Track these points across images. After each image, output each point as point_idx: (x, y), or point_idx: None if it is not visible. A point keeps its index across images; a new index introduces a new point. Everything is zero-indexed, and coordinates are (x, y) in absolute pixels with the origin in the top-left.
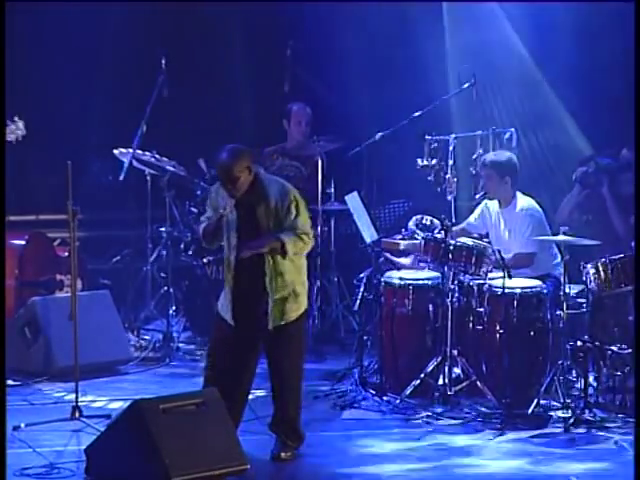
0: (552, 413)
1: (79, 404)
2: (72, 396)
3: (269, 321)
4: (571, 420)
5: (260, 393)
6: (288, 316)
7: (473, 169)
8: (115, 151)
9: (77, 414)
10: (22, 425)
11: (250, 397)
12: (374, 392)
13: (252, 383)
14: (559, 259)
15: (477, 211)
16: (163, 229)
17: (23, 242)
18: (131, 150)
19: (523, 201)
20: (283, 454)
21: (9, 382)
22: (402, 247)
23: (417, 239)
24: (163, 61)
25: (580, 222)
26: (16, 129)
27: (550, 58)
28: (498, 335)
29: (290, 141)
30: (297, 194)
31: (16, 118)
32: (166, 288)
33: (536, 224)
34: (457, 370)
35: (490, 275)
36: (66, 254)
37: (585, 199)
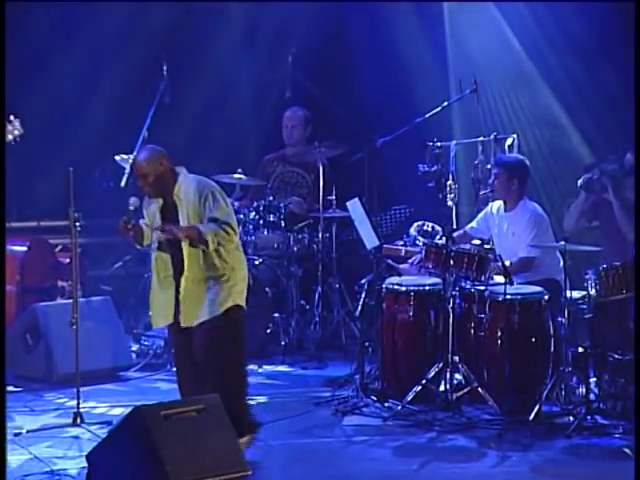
0: (553, 419)
1: (80, 410)
2: (73, 402)
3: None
4: (572, 426)
5: (261, 399)
6: (212, 310)
7: (474, 175)
8: (116, 157)
9: (78, 420)
10: (23, 431)
11: (251, 403)
12: (375, 398)
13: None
14: (562, 264)
15: (480, 215)
16: None
17: (24, 248)
18: (132, 156)
19: (529, 206)
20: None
21: (10, 388)
22: (404, 254)
23: (418, 245)
24: (165, 68)
25: (588, 229)
26: (13, 129)
27: (551, 62)
28: (499, 341)
29: (289, 148)
30: (216, 189)
31: (12, 117)
32: None
33: (540, 229)
34: (458, 376)
35: (492, 281)
36: (67, 260)
37: (591, 206)
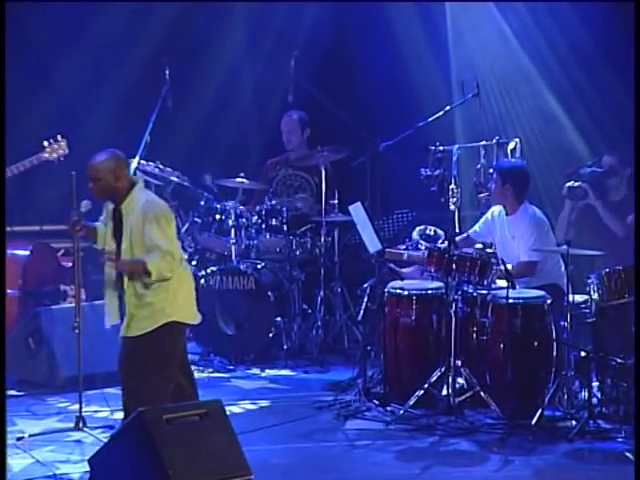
0: (556, 424)
1: (83, 414)
2: (76, 406)
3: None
4: (575, 431)
5: (264, 403)
6: (138, 327)
7: (477, 179)
8: None
9: (81, 424)
10: (26, 435)
11: (253, 407)
12: (378, 402)
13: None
14: (564, 269)
15: (482, 220)
16: None
17: (27, 252)
18: (135, 160)
19: (529, 210)
20: None
21: (12, 392)
22: (406, 257)
23: (421, 249)
24: (167, 72)
25: (579, 237)
26: (58, 148)
27: (552, 66)
28: (502, 345)
29: (291, 152)
30: (160, 213)
31: (59, 137)
32: None
33: (540, 233)
34: (461, 380)
35: (494, 285)
36: (70, 264)
37: (578, 215)
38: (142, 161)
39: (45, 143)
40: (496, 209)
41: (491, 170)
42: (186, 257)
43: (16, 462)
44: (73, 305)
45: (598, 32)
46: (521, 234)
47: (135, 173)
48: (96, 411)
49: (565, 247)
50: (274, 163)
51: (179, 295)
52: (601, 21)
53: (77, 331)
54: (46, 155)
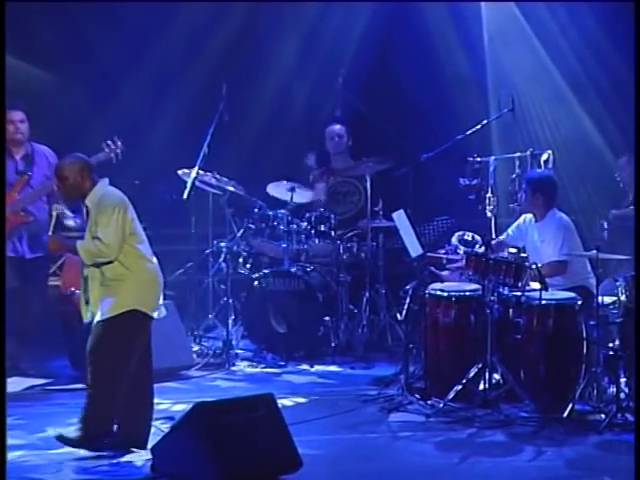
0: (586, 417)
1: None
2: None
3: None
4: (604, 423)
5: (313, 397)
6: (102, 312)
7: (512, 188)
8: (179, 172)
9: None
10: None
11: (303, 400)
12: (419, 396)
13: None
14: (592, 273)
15: (513, 225)
16: (223, 244)
17: None
18: (194, 170)
19: (556, 215)
20: None
21: (81, 385)
22: (445, 262)
23: (459, 254)
24: (224, 89)
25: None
26: (116, 148)
27: (583, 82)
28: (535, 343)
29: (335, 161)
30: (111, 203)
31: (115, 138)
32: (226, 299)
33: (567, 234)
34: (497, 376)
35: (528, 287)
36: None
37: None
38: (200, 171)
39: (103, 144)
40: (527, 216)
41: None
42: (241, 261)
43: (84, 450)
44: None
45: (626, 51)
46: (550, 238)
47: (194, 182)
48: (157, 403)
49: (594, 252)
50: (320, 173)
51: (140, 287)
52: (630, 40)
53: None
54: (103, 155)
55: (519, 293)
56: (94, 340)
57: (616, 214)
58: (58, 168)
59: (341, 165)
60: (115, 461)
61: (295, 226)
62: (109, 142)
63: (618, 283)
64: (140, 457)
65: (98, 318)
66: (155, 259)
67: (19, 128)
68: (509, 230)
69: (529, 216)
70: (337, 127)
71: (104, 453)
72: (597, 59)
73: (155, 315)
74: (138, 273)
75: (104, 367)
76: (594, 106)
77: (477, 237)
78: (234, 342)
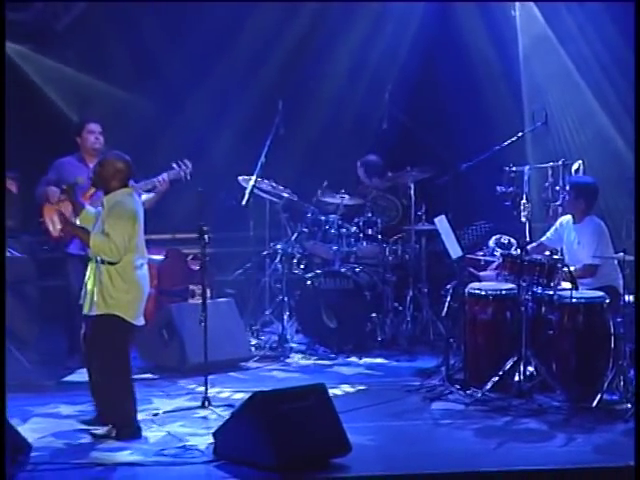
0: (614, 406)
1: (208, 395)
2: (202, 388)
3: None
4: (630, 412)
5: (361, 387)
6: (92, 307)
7: (545, 195)
8: (239, 179)
9: (206, 403)
10: (160, 412)
11: (352, 390)
12: (459, 387)
13: None
14: (620, 273)
15: (552, 228)
16: (279, 246)
17: (162, 257)
18: (252, 179)
19: (595, 220)
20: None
21: (149, 376)
22: (483, 263)
23: (496, 256)
24: (280, 104)
25: None
26: (186, 168)
27: (610, 98)
28: (566, 339)
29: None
30: (125, 211)
31: (186, 160)
32: (281, 297)
33: (602, 242)
34: (531, 368)
35: (560, 287)
36: (197, 267)
37: None
38: (258, 179)
39: (174, 165)
40: (565, 218)
41: (557, 187)
42: (295, 261)
43: (152, 434)
44: (200, 302)
45: None
46: (586, 241)
47: (252, 190)
48: (219, 392)
49: (622, 254)
50: (365, 186)
51: (127, 296)
52: None
53: (203, 324)
54: (174, 173)
55: (552, 292)
56: (89, 332)
57: None
58: (104, 156)
59: (380, 185)
60: (181, 444)
61: (345, 230)
62: (180, 162)
63: None
64: (203, 441)
65: (90, 312)
66: (146, 267)
67: (99, 139)
68: (548, 233)
69: (566, 218)
70: (372, 158)
71: (170, 438)
72: (622, 74)
73: (136, 322)
74: (129, 285)
75: (106, 364)
76: (622, 120)
77: (513, 240)
78: (289, 336)
